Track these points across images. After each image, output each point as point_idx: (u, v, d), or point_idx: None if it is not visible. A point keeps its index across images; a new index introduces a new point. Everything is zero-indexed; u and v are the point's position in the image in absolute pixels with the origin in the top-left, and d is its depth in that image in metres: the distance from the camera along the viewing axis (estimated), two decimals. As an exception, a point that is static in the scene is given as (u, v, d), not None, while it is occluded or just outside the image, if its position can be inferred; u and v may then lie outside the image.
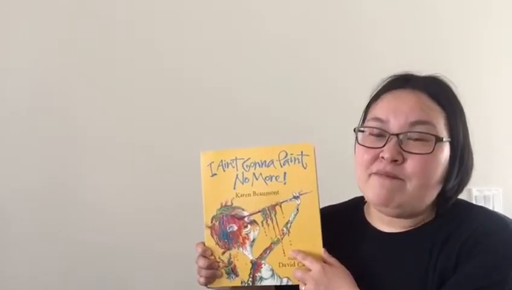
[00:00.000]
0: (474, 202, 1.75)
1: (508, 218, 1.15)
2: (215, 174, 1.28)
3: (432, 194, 1.16)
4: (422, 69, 1.24)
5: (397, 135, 1.13)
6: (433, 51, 2.45)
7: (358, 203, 1.32)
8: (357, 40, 2.41)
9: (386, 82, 1.24)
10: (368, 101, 1.25)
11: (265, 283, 1.24)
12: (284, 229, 1.23)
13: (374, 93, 1.24)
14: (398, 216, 1.18)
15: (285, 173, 1.24)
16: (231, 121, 2.18)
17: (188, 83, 2.14)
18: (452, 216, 1.16)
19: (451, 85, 1.22)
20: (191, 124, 2.14)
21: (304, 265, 1.18)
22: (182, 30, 2.17)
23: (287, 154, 1.24)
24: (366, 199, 1.24)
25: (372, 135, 1.18)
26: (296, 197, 1.23)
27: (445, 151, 1.15)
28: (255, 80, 2.24)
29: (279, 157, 1.24)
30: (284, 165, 1.24)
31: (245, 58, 2.23)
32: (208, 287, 1.27)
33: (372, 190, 1.16)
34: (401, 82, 1.21)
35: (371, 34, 2.43)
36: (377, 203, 1.17)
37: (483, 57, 2.62)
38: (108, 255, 1.99)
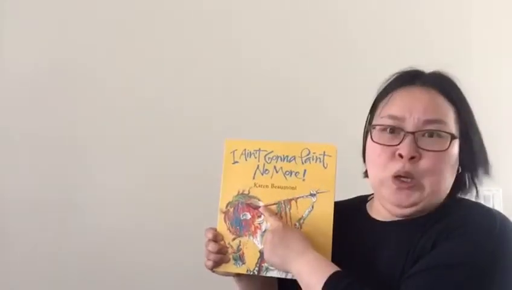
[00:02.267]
0: (474, 202, 1.77)
1: (503, 215, 1.16)
2: (237, 161, 1.29)
3: (445, 190, 1.19)
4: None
5: (413, 132, 1.15)
6: (431, 50, 2.43)
7: (362, 201, 1.35)
8: (353, 42, 2.39)
9: (394, 78, 1.25)
10: (375, 98, 1.26)
11: (270, 274, 1.26)
12: (297, 224, 1.25)
13: (381, 89, 1.25)
14: (411, 214, 1.20)
15: (305, 170, 1.26)
16: (231, 122, 2.18)
17: (188, 85, 2.14)
18: (445, 208, 1.19)
19: (456, 80, 1.24)
20: (191, 125, 2.13)
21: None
22: (183, 24, 2.15)
23: (309, 152, 1.26)
24: (379, 196, 1.24)
25: (386, 131, 1.19)
26: (312, 195, 1.25)
27: (456, 147, 1.18)
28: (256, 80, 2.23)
29: (301, 154, 1.26)
30: (305, 162, 1.26)
31: (241, 59, 2.22)
32: (213, 271, 1.29)
33: (389, 192, 1.18)
34: (411, 78, 1.22)
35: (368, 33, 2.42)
36: (393, 204, 1.19)
37: (482, 56, 2.60)
38: (108, 257, 2.00)
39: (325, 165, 1.25)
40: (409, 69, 1.25)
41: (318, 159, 1.25)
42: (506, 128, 2.69)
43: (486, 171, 1.24)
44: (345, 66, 2.33)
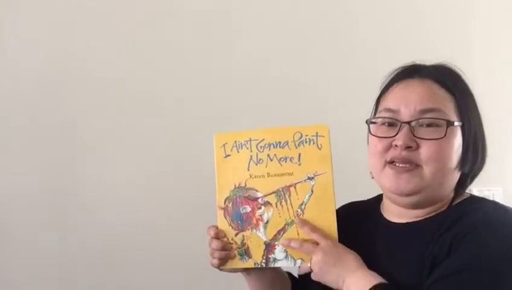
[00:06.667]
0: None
1: None
2: (229, 155, 1.27)
3: (450, 181, 1.17)
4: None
5: (408, 122, 1.14)
6: (432, 49, 2.45)
7: (377, 200, 1.32)
8: (348, 40, 2.41)
9: (394, 73, 1.26)
10: (379, 93, 1.27)
11: (278, 264, 1.23)
12: (298, 210, 1.22)
13: (384, 84, 1.26)
14: (415, 206, 1.18)
15: (299, 154, 1.23)
16: (231, 119, 2.17)
17: (188, 83, 2.14)
18: (460, 208, 1.16)
19: (459, 71, 1.24)
20: (189, 126, 2.12)
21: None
22: (182, 23, 2.17)
23: (301, 135, 1.24)
24: (381, 188, 1.23)
25: (384, 125, 1.19)
26: (310, 179, 1.23)
27: (458, 136, 1.16)
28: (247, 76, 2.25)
29: (294, 139, 1.24)
30: (298, 146, 1.24)
31: (233, 58, 2.23)
32: (220, 269, 1.26)
33: (388, 180, 1.17)
34: (409, 72, 1.23)
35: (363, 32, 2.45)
36: (394, 192, 1.17)
37: (482, 56, 2.63)
38: (108, 257, 1.97)
39: (320, 146, 1.23)
40: (409, 64, 1.26)
41: (311, 141, 1.23)
42: (506, 127, 2.69)
43: (482, 164, 1.22)
44: (343, 65, 2.35)
